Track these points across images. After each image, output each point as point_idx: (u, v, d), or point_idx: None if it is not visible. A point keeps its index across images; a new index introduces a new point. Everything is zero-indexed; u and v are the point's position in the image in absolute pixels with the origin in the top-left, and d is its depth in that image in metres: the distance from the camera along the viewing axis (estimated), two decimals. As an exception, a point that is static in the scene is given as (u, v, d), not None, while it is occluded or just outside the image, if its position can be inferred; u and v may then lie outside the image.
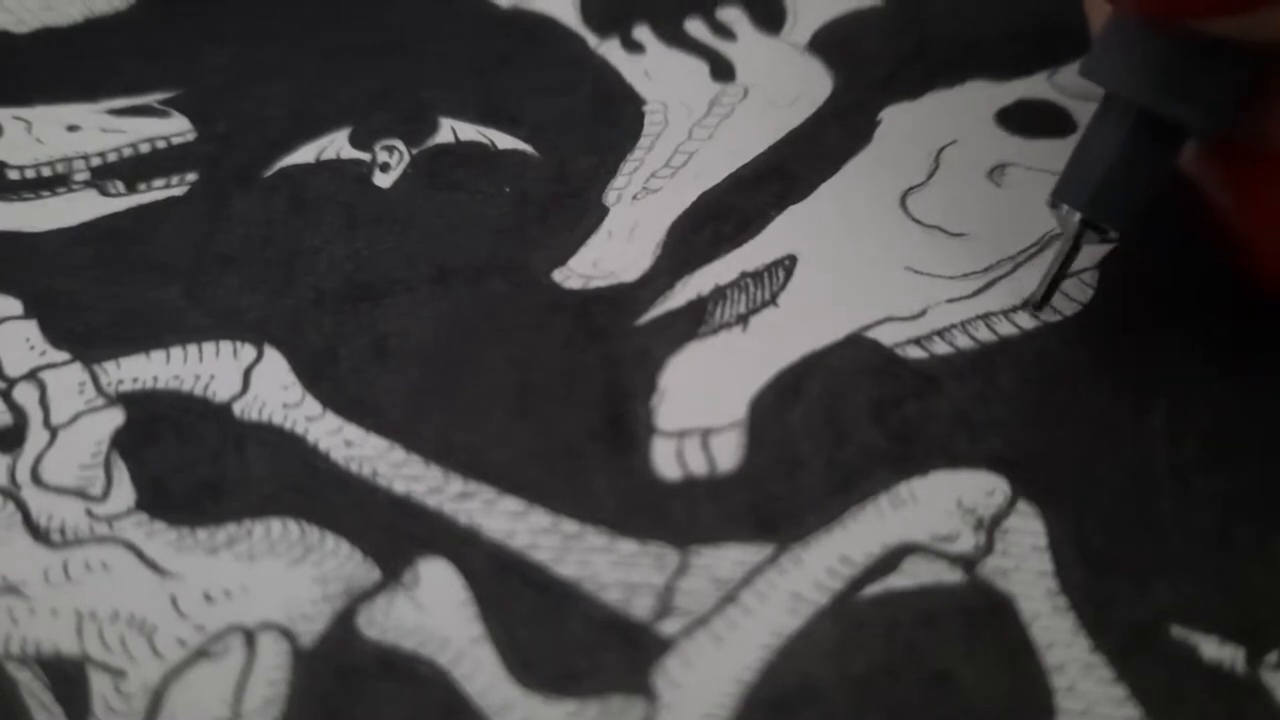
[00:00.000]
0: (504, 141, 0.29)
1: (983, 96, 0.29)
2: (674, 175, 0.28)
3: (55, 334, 0.25)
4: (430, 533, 0.22)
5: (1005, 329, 0.25)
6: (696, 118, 0.29)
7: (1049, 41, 0.30)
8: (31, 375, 0.24)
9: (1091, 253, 0.25)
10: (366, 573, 0.21)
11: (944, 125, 0.29)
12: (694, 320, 0.25)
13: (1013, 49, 0.30)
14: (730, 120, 0.29)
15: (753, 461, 0.23)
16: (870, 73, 0.30)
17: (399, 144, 0.29)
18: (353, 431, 0.23)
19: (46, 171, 0.29)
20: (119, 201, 0.28)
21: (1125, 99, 0.22)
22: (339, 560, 0.22)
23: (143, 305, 0.26)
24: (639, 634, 0.21)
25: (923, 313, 0.25)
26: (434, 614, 0.21)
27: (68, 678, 0.20)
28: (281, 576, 0.21)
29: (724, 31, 0.32)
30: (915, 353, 0.24)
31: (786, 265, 0.26)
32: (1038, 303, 0.24)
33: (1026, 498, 0.22)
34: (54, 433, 0.24)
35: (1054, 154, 0.28)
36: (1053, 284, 0.24)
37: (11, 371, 0.25)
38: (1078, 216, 0.23)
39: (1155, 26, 0.22)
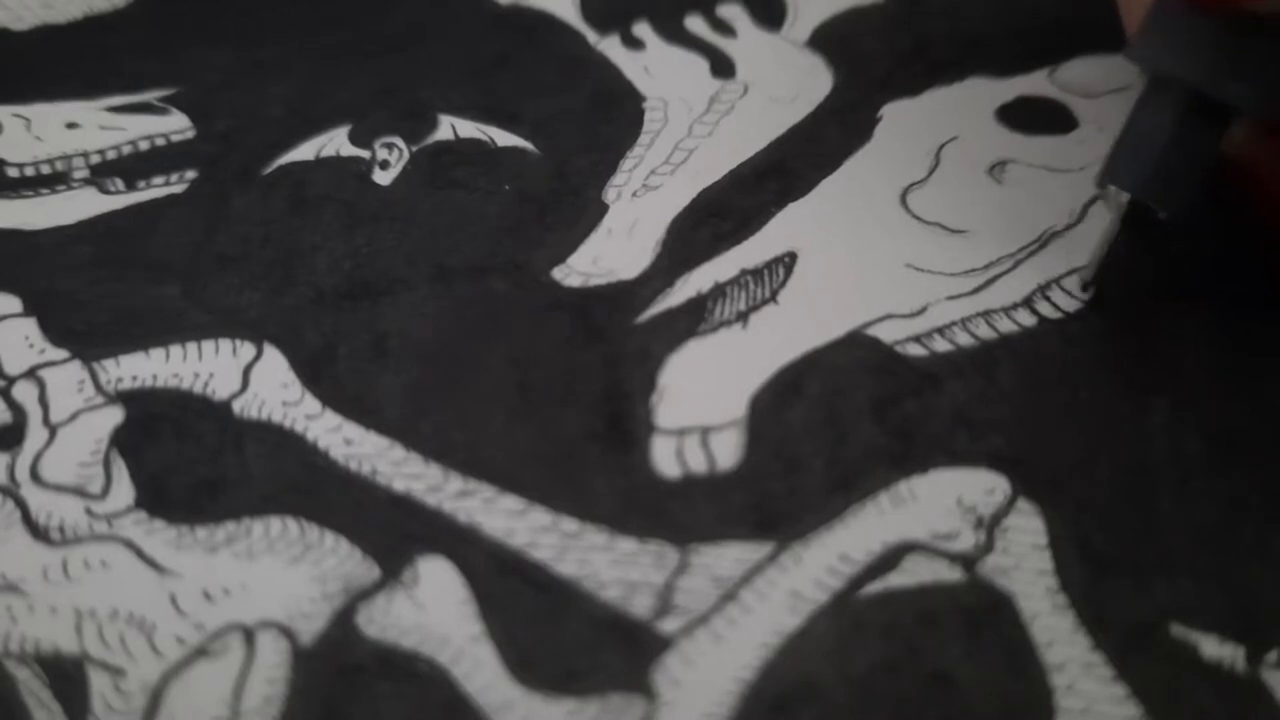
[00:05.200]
0: (504, 139, 0.29)
1: (983, 93, 0.29)
2: (674, 172, 0.28)
3: (54, 332, 0.25)
4: (430, 531, 0.22)
5: (1006, 326, 0.25)
6: (696, 114, 0.29)
7: (1049, 38, 0.30)
8: (31, 373, 0.24)
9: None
10: (366, 571, 0.21)
11: (944, 122, 0.29)
12: (694, 318, 0.25)
13: (1013, 46, 0.30)
14: (730, 117, 0.29)
15: (753, 459, 0.23)
16: (870, 70, 0.30)
17: (399, 141, 0.29)
18: (352, 430, 0.23)
19: (46, 169, 0.29)
20: (118, 199, 0.28)
21: (1174, 81, 0.22)
22: (338, 558, 0.22)
23: (142, 303, 0.26)
24: (639, 632, 0.21)
25: (923, 310, 0.25)
26: (433, 612, 0.21)
27: (67, 676, 0.20)
28: (281, 575, 0.21)
29: (724, 28, 0.32)
30: (916, 350, 0.24)
31: (786, 262, 0.26)
32: (1089, 282, 0.25)
33: (1027, 496, 0.22)
34: (53, 431, 0.24)
35: (1055, 151, 0.28)
36: (1103, 263, 0.24)
37: (11, 369, 0.25)
38: (1126, 197, 0.23)
39: (1204, 8, 0.22)
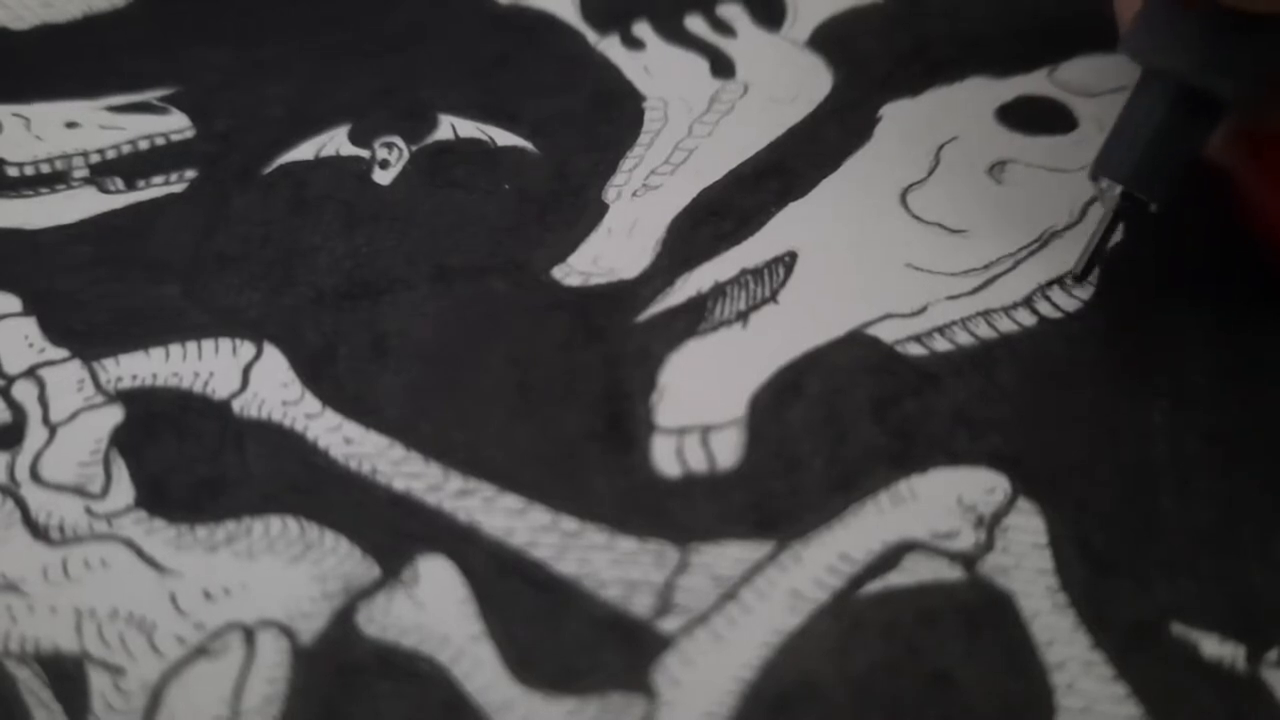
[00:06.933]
0: (503, 138, 0.29)
1: (983, 93, 0.29)
2: (674, 172, 0.28)
3: (54, 331, 0.25)
4: (430, 530, 0.22)
5: (1006, 326, 0.25)
6: (696, 114, 0.29)
7: (1049, 38, 0.30)
8: (30, 372, 0.24)
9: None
10: (366, 570, 0.21)
11: (944, 122, 0.29)
12: (694, 317, 0.25)
13: (1013, 46, 0.30)
14: (730, 117, 0.29)
15: (753, 459, 0.23)
16: (870, 70, 0.30)
17: (398, 141, 0.29)
18: (352, 429, 0.23)
19: (45, 168, 0.29)
20: (118, 199, 0.28)
21: (1165, 75, 0.23)
22: (338, 558, 0.22)
23: (142, 302, 0.26)
24: (639, 632, 0.21)
25: (923, 309, 0.25)
26: (433, 611, 0.21)
27: (67, 675, 0.20)
28: (281, 574, 0.21)
29: (724, 28, 0.32)
30: (915, 350, 0.24)
31: (787, 262, 0.26)
32: (1078, 274, 0.25)
33: (1027, 495, 0.22)
34: (53, 430, 0.24)
35: (1054, 150, 0.28)
36: (1094, 255, 0.24)
37: (10, 369, 0.25)
38: (1118, 189, 0.23)
39: (1192, 4, 0.22)
